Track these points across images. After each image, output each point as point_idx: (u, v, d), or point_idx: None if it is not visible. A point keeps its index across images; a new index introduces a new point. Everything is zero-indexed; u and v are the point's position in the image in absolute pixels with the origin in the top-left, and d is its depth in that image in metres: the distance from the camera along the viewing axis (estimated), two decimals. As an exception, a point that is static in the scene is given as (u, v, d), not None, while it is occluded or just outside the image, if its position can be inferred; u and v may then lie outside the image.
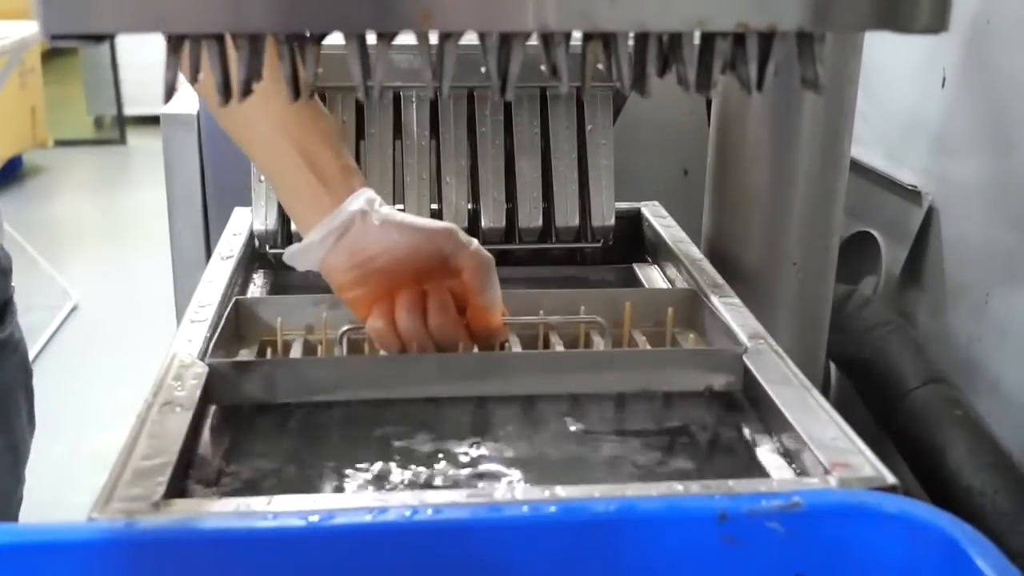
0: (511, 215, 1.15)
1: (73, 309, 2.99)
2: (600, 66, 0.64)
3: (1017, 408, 1.27)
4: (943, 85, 1.47)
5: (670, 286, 1.08)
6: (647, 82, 0.64)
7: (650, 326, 0.94)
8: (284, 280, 1.10)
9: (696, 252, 1.09)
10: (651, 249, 1.19)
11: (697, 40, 0.64)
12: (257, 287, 1.08)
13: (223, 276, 0.98)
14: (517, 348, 0.88)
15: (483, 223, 1.13)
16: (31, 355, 2.51)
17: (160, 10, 0.52)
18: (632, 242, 1.22)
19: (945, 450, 1.19)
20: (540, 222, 1.14)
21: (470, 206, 1.14)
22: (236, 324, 0.92)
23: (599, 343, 0.89)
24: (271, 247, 1.11)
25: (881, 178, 1.59)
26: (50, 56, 5.60)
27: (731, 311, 0.92)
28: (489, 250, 0.92)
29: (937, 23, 0.59)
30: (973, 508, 1.13)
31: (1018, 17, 1.29)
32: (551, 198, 1.15)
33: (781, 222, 1.13)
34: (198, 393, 0.75)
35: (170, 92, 0.60)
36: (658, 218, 1.20)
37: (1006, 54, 1.32)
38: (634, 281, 1.13)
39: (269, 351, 0.90)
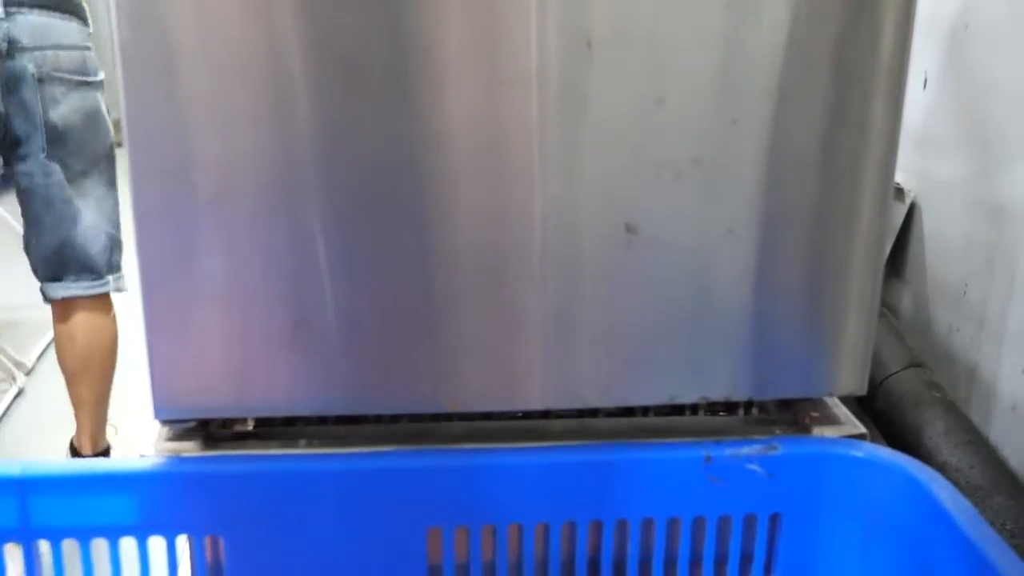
0: None
1: (80, 307, 3.07)
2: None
3: (992, 391, 1.34)
4: (925, 87, 1.54)
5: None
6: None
7: None
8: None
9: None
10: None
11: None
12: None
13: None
14: None
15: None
16: (36, 354, 2.57)
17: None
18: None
19: (923, 429, 1.25)
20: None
21: None
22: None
23: None
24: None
25: (866, 176, 1.66)
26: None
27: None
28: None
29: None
30: (949, 482, 1.19)
31: (994, 23, 1.36)
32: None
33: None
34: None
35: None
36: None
37: (983, 58, 1.39)
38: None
39: None
